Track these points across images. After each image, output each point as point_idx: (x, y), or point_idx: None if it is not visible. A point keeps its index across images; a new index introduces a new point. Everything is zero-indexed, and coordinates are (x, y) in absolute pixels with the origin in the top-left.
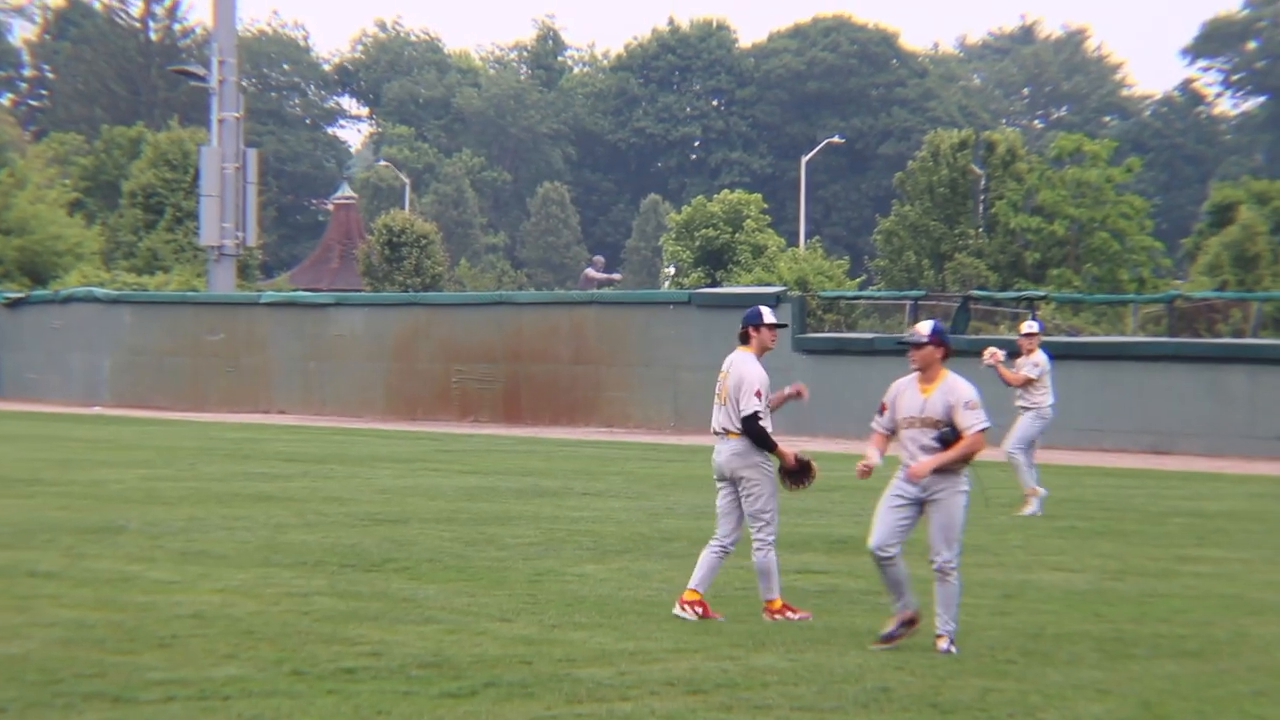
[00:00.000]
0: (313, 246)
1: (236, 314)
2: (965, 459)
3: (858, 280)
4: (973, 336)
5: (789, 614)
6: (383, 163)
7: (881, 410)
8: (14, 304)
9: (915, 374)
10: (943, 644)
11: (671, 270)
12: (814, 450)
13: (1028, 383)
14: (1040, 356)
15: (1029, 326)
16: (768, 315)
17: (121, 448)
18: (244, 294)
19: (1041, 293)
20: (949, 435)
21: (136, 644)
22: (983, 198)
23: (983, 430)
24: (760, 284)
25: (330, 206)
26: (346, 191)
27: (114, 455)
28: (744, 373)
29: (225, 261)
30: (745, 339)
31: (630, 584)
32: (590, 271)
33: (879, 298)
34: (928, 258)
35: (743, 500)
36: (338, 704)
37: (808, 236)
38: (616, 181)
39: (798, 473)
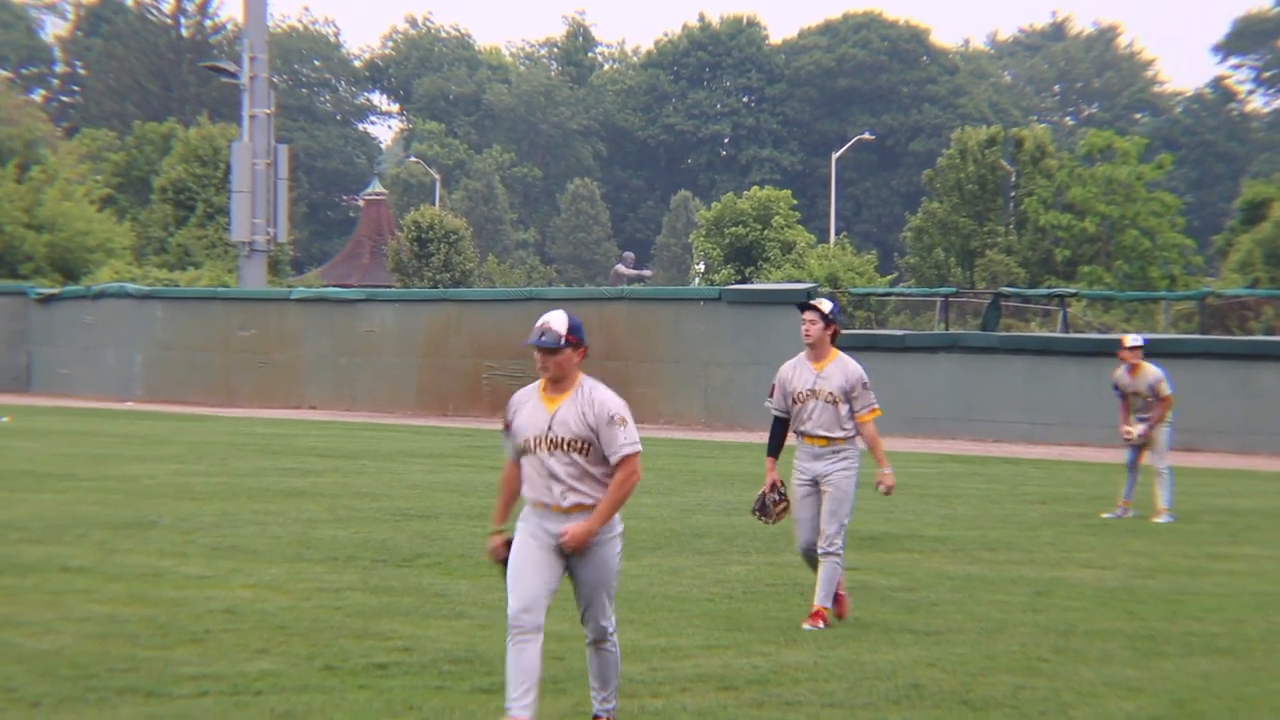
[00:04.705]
0: (343, 242)
1: (267, 309)
2: None
3: (889, 277)
4: (1003, 333)
5: None
6: (413, 159)
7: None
8: (46, 300)
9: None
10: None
11: (701, 267)
12: None
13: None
14: (1157, 369)
15: (1135, 340)
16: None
17: (153, 443)
18: (275, 289)
19: (1072, 290)
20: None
21: (169, 639)
22: (1012, 194)
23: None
24: (790, 280)
25: (361, 202)
26: (377, 187)
27: (146, 450)
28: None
29: (256, 257)
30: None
31: (661, 580)
32: (620, 268)
33: (910, 294)
34: (956, 255)
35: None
36: (370, 699)
37: (837, 233)
38: (646, 178)
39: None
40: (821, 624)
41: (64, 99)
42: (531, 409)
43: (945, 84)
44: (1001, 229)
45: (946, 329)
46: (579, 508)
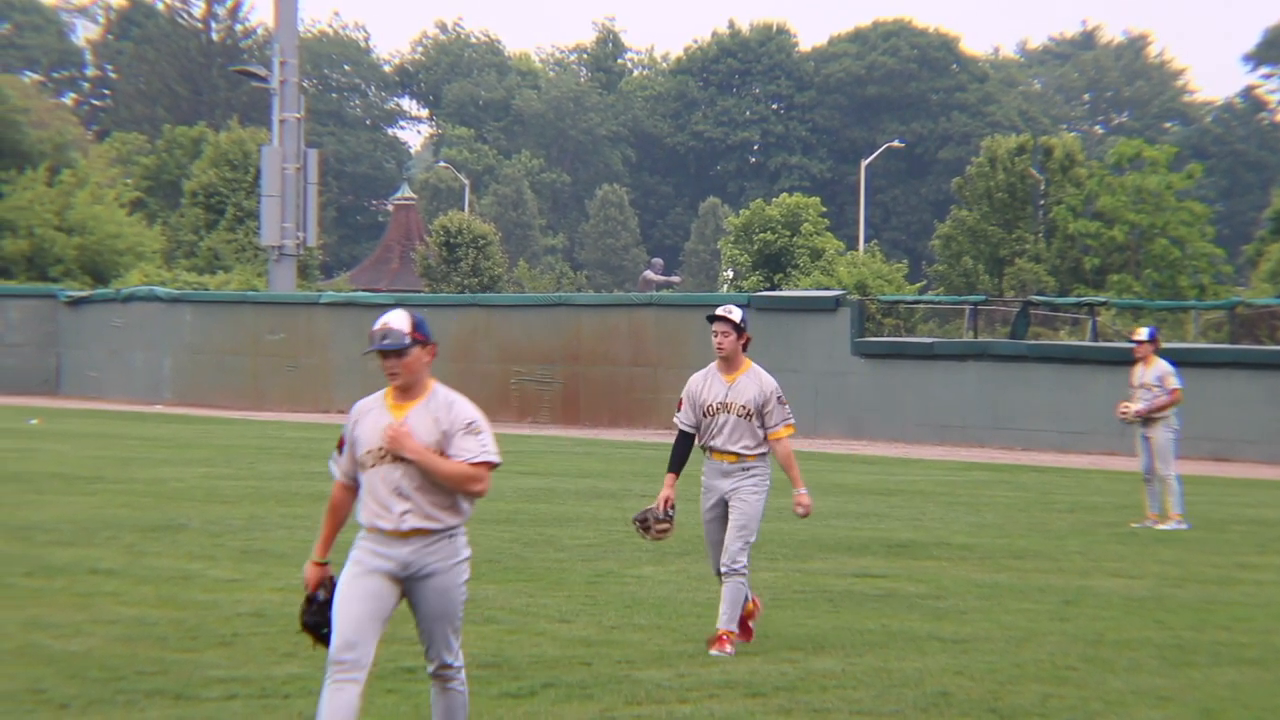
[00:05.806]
0: (372, 247)
1: (296, 314)
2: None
3: (918, 285)
4: (1032, 342)
5: None
6: (442, 164)
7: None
8: (76, 303)
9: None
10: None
11: (730, 273)
12: (872, 454)
13: (1175, 393)
14: (1166, 363)
15: (1144, 333)
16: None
17: (182, 446)
18: (304, 294)
19: (1102, 299)
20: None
21: (198, 642)
22: (1041, 203)
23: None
24: (819, 287)
25: (390, 207)
26: (406, 192)
27: (175, 453)
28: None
29: (285, 261)
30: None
31: (689, 586)
32: (649, 274)
33: (938, 302)
34: (985, 263)
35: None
36: (397, 703)
37: (867, 240)
38: (675, 184)
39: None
40: (729, 649)
41: (95, 103)
42: (375, 418)
43: (975, 92)
44: (1030, 237)
45: (975, 337)
46: (419, 532)
